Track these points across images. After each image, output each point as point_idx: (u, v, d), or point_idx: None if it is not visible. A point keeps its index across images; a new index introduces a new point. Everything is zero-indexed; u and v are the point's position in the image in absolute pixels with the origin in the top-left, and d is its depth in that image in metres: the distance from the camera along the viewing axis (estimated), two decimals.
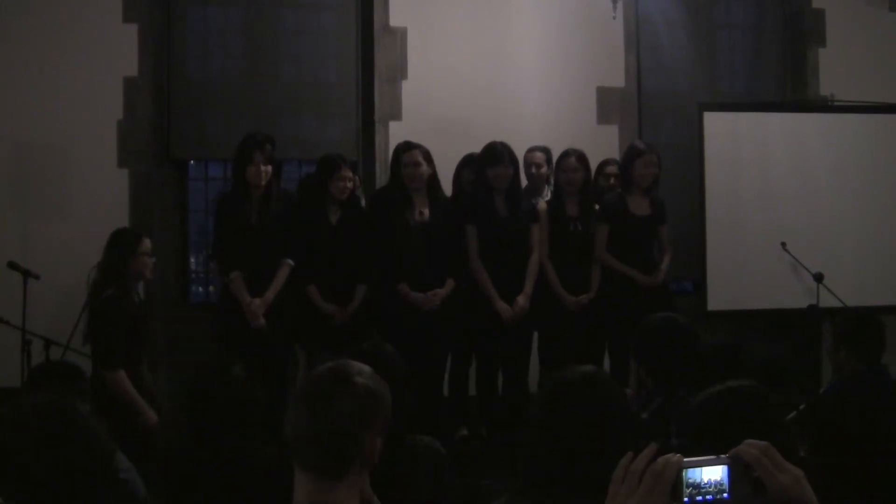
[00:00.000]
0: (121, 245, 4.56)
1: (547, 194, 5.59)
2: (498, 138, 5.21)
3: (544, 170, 5.64)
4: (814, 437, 2.09)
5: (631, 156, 5.50)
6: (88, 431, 1.90)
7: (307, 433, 1.79)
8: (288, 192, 5.32)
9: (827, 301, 5.91)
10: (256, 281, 4.92)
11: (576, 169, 5.30)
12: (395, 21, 6.32)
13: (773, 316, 6.42)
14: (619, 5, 6.07)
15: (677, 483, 1.27)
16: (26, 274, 5.18)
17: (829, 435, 2.04)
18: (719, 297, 6.26)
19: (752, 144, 6.39)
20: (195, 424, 2.88)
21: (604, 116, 6.53)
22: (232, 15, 6.38)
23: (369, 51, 6.37)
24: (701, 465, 1.29)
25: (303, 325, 5.03)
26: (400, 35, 6.32)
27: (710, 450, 1.33)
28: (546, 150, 5.70)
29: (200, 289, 6.56)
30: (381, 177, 6.10)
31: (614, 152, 6.24)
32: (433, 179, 5.20)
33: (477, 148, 5.30)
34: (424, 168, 5.11)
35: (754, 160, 6.36)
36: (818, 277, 5.93)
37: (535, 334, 5.35)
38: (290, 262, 4.96)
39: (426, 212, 5.13)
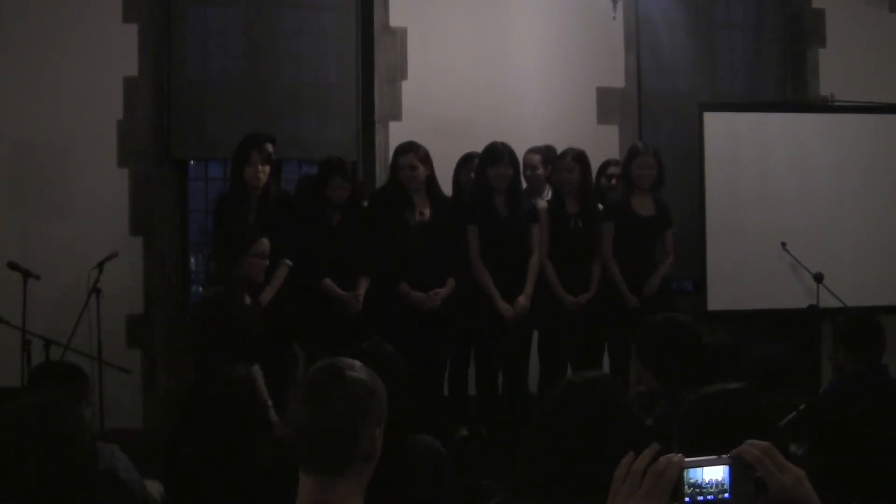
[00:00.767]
0: (235, 244, 4.47)
1: (547, 194, 5.60)
2: (498, 138, 5.21)
3: (540, 171, 5.65)
4: (814, 437, 2.09)
5: (629, 156, 5.54)
6: (77, 433, 1.90)
7: (305, 432, 1.80)
8: (286, 192, 5.32)
9: (827, 301, 5.91)
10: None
11: (571, 169, 5.29)
12: (395, 21, 6.32)
13: (773, 316, 6.42)
14: (619, 5, 6.07)
15: (679, 483, 1.27)
16: (26, 274, 5.19)
17: (829, 435, 2.04)
18: (719, 297, 6.25)
19: (752, 144, 6.38)
20: (195, 424, 2.88)
21: (604, 116, 6.53)
22: (232, 15, 6.38)
23: (369, 51, 6.36)
24: (702, 465, 1.29)
25: (303, 325, 5.03)
26: (400, 35, 6.32)
27: (703, 451, 1.33)
28: (545, 151, 5.70)
29: (200, 289, 6.56)
30: (381, 177, 6.10)
31: (614, 152, 6.25)
32: (432, 180, 5.20)
33: (477, 148, 5.30)
34: (421, 171, 5.10)
35: (754, 160, 6.36)
36: (818, 277, 5.92)
37: (535, 334, 5.35)
38: (289, 262, 4.96)
39: (426, 212, 5.14)
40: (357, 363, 1.89)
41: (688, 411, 2.10)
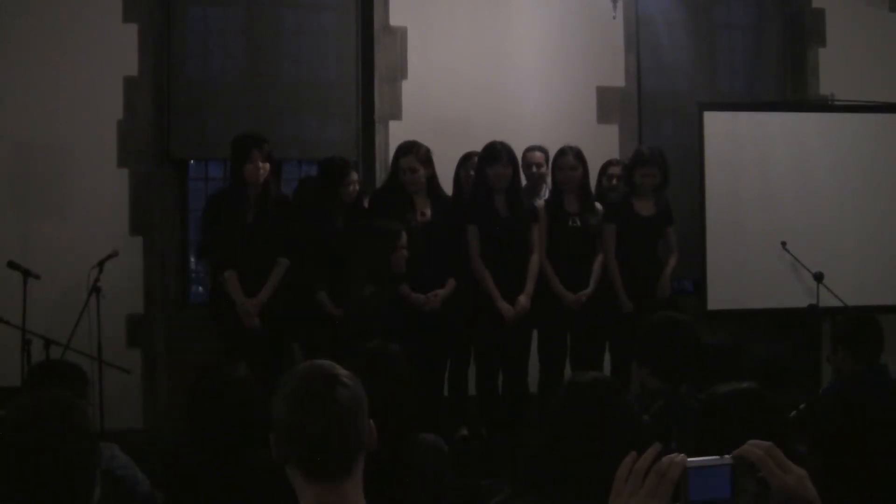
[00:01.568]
0: (384, 239, 4.44)
1: (545, 193, 5.59)
2: (498, 138, 5.21)
3: (544, 169, 5.65)
4: (814, 437, 2.09)
5: (634, 162, 5.55)
6: (85, 431, 1.90)
7: (311, 440, 1.77)
8: (285, 194, 5.31)
9: (827, 301, 5.91)
10: (252, 280, 4.92)
11: (574, 167, 5.30)
12: (395, 21, 6.32)
13: (773, 316, 6.42)
14: (619, 5, 6.07)
15: (681, 483, 1.27)
16: (26, 274, 5.18)
17: (829, 435, 2.04)
18: (719, 297, 6.25)
19: (752, 144, 6.38)
20: (196, 425, 2.88)
21: (604, 116, 6.53)
22: (232, 15, 6.37)
23: (369, 51, 6.36)
24: (705, 465, 1.29)
25: (304, 325, 5.03)
26: (400, 35, 6.32)
27: (710, 451, 1.33)
28: (545, 150, 5.70)
29: (200, 289, 6.56)
30: (382, 177, 6.09)
31: (614, 152, 6.25)
32: (433, 180, 5.20)
33: (477, 147, 5.29)
34: (421, 173, 5.10)
35: (754, 160, 6.36)
36: (818, 277, 5.93)
37: (535, 333, 5.35)
38: (286, 261, 4.96)
39: (427, 212, 5.14)
40: (335, 364, 1.88)
41: (697, 411, 2.10)
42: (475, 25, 6.36)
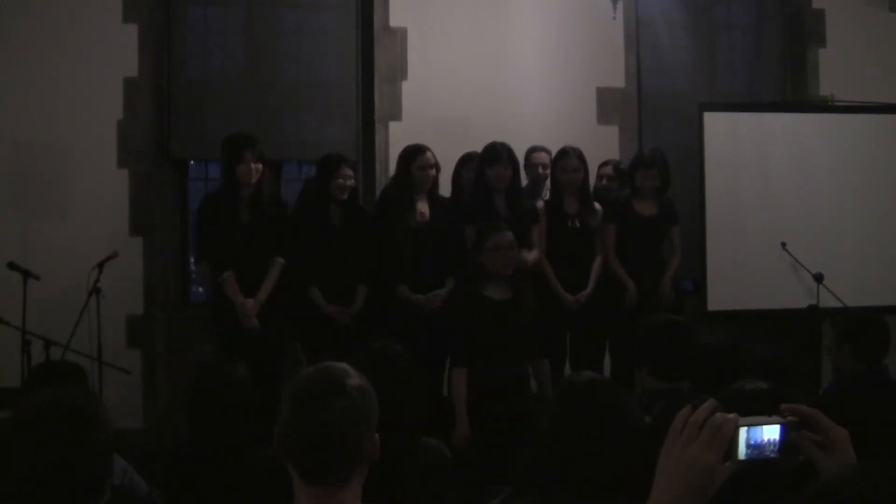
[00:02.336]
0: (479, 240, 4.49)
1: (545, 194, 5.59)
2: (498, 138, 5.20)
3: (548, 170, 5.64)
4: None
5: (635, 164, 5.54)
6: (100, 430, 1.88)
7: (310, 444, 1.76)
8: (277, 194, 5.31)
9: (827, 301, 5.91)
10: (249, 280, 4.91)
11: (577, 169, 5.30)
12: (395, 21, 6.32)
13: (773, 316, 6.42)
14: (619, 5, 6.07)
15: (733, 442, 1.31)
16: (26, 274, 5.19)
17: None
18: (719, 297, 6.25)
19: (752, 144, 6.38)
20: (196, 424, 2.88)
21: (604, 116, 6.53)
22: (232, 15, 6.38)
23: (369, 51, 6.36)
24: (757, 424, 1.33)
25: (305, 325, 5.03)
26: (400, 35, 6.32)
27: None
28: (549, 151, 5.70)
29: (200, 289, 6.55)
30: (381, 177, 6.10)
31: (614, 152, 6.25)
32: (434, 180, 5.21)
33: (477, 148, 5.29)
34: (435, 172, 5.13)
35: (754, 160, 6.36)
36: (818, 277, 5.93)
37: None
38: (282, 260, 4.96)
39: (426, 213, 5.14)
40: (349, 368, 1.85)
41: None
42: (475, 25, 6.36)
